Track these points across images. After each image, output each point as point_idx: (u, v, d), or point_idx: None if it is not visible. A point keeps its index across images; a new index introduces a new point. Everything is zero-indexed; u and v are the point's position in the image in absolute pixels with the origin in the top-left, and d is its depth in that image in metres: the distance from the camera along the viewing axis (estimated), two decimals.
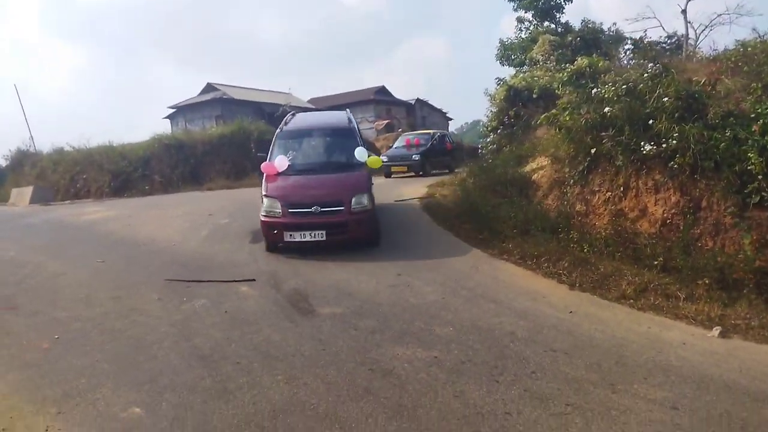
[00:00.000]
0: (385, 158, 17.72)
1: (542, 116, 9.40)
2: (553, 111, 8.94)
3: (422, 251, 8.09)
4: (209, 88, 36.91)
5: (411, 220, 10.18)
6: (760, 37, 14.52)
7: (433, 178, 16.59)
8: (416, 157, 18.77)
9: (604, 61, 10.31)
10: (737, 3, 28.16)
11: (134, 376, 3.94)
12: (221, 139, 21.11)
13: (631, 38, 26.28)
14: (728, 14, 24.38)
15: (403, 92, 45.13)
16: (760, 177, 6.53)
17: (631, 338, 5.00)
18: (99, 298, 5.93)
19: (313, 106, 40.97)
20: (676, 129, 7.06)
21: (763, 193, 6.58)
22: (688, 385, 4.01)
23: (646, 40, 29.51)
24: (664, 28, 26.21)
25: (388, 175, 18.69)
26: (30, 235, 10.04)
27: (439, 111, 48.17)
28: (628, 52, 25.62)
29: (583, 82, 8.76)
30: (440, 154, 20.17)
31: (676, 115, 7.21)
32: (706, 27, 25.09)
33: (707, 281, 6.40)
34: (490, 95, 16.86)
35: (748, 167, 6.64)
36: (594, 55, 20.57)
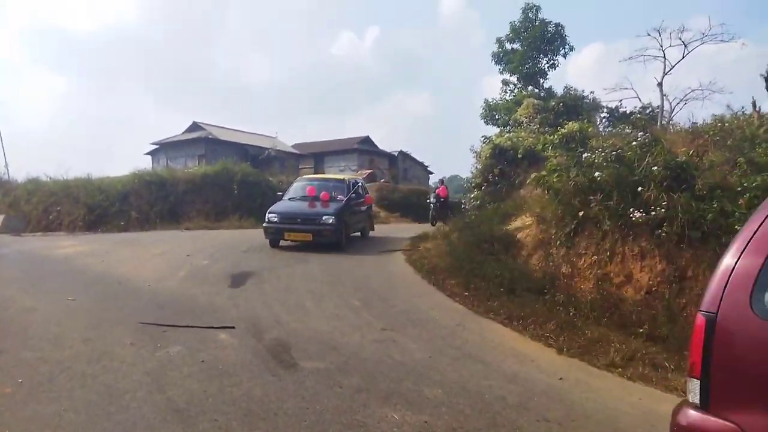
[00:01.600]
0: (274, 216, 12.24)
1: (532, 176, 9.51)
2: (542, 172, 9.06)
3: (407, 306, 7.93)
4: (194, 127, 37.04)
5: (395, 273, 10.04)
6: (734, 113, 15.16)
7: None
8: (329, 219, 12.05)
9: (593, 127, 10.56)
10: (710, 80, 29.74)
11: (104, 429, 3.65)
12: (204, 178, 20.95)
13: (607, 107, 27.34)
14: (701, 90, 25.66)
15: (384, 143, 45.62)
16: None
17: (623, 409, 4.86)
18: (69, 338, 5.59)
19: (298, 152, 41.30)
20: (665, 198, 7.17)
21: None
22: None
23: (621, 109, 30.82)
24: (640, 99, 27.32)
25: (275, 242, 12.34)
26: (0, 267, 9.61)
27: (421, 164, 48.92)
28: (604, 120, 26.62)
29: (573, 145, 8.91)
30: (357, 213, 14.31)
31: (665, 184, 7.35)
32: (681, 101, 26.32)
33: None
34: (475, 152, 17.20)
35: None
36: (578, 120, 21.39)
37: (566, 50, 25.52)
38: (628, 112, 30.42)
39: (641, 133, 8.23)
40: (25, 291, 7.63)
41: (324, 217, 12.09)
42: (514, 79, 26.01)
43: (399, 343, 6.22)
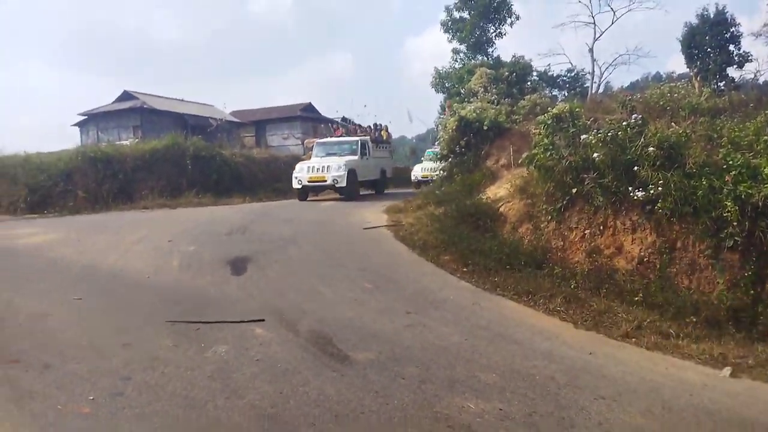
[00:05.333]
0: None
1: (523, 156, 9.83)
2: (534, 151, 9.37)
3: (417, 286, 8.11)
4: (126, 96, 34.83)
5: (390, 251, 10.17)
6: (667, 78, 16.01)
7: None
8: None
9: (582, 107, 10.96)
10: (635, 45, 31.81)
11: None
12: (154, 154, 19.94)
13: (537, 70, 28.31)
14: (629, 54, 27.23)
15: (320, 108, 44.75)
16: (735, 223, 7.22)
17: (659, 381, 5.32)
18: (107, 345, 5.38)
19: (238, 120, 39.90)
20: (660, 177, 7.66)
21: (736, 238, 7.29)
22: (737, 430, 4.35)
23: (549, 73, 32.02)
24: (572, 64, 28.58)
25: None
26: None
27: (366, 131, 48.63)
28: (533, 82, 27.62)
29: (565, 126, 9.25)
30: None
31: (658, 163, 7.84)
32: (610, 65, 27.82)
33: (694, 319, 6.99)
34: (440, 124, 17.38)
35: (724, 214, 7.33)
36: (528, 88, 21.98)
37: (513, 19, 25.97)
38: (555, 75, 31.80)
39: (634, 115, 8.64)
40: (21, 292, 7.16)
41: None
42: (463, 47, 26.31)
43: (430, 328, 6.42)
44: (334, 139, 21.05)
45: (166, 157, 20.12)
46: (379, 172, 20.51)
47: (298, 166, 18.50)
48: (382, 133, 22.34)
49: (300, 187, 17.90)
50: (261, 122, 41.51)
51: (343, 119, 21.39)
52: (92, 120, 35.21)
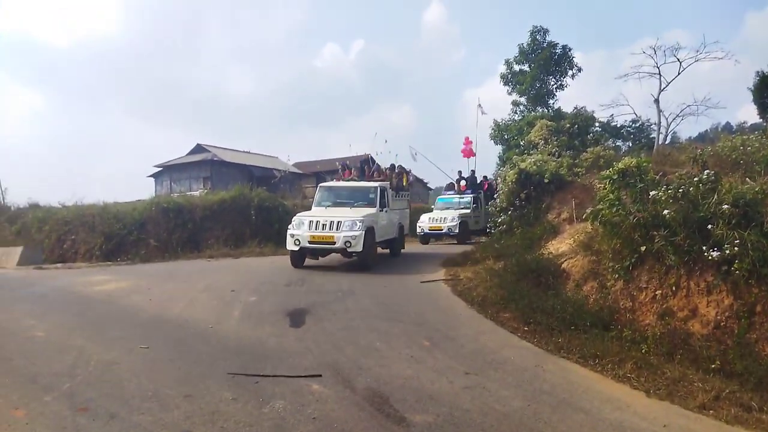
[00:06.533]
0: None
1: (588, 211, 9.59)
2: (599, 206, 9.13)
3: (476, 345, 7.90)
4: (199, 148, 36.93)
5: (448, 306, 10.03)
6: (738, 129, 15.23)
7: None
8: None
9: (649, 161, 10.70)
10: (704, 95, 30.52)
11: None
12: (221, 204, 20.82)
13: (599, 121, 27.76)
14: (696, 105, 26.29)
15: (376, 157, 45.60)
16: None
17: None
18: (169, 396, 5.51)
19: (300, 171, 41.25)
20: (736, 236, 7.25)
21: None
22: None
23: (613, 123, 31.26)
24: (636, 114, 27.71)
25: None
26: (49, 310, 9.44)
27: (421, 180, 49.16)
28: (596, 133, 27.03)
29: (632, 181, 9.00)
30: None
31: (733, 221, 7.44)
32: (677, 116, 26.91)
33: None
34: (500, 176, 17.34)
35: None
36: (591, 140, 21.69)
37: (574, 71, 25.94)
38: (618, 126, 31.06)
39: (706, 171, 8.32)
40: (93, 340, 7.50)
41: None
42: (523, 100, 26.41)
43: (490, 390, 6.19)
44: (345, 183, 16.11)
45: (232, 207, 20.94)
46: (397, 228, 15.92)
47: (296, 219, 13.34)
48: (404, 177, 17.82)
49: (297, 248, 12.96)
50: (321, 173, 42.81)
51: (392, 166, 18.44)
52: (166, 171, 37.45)
